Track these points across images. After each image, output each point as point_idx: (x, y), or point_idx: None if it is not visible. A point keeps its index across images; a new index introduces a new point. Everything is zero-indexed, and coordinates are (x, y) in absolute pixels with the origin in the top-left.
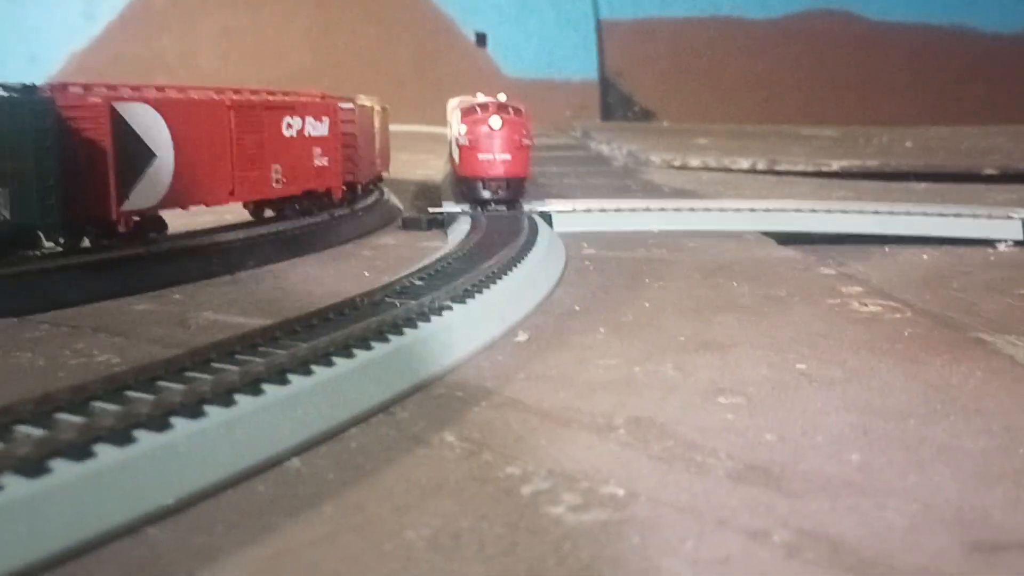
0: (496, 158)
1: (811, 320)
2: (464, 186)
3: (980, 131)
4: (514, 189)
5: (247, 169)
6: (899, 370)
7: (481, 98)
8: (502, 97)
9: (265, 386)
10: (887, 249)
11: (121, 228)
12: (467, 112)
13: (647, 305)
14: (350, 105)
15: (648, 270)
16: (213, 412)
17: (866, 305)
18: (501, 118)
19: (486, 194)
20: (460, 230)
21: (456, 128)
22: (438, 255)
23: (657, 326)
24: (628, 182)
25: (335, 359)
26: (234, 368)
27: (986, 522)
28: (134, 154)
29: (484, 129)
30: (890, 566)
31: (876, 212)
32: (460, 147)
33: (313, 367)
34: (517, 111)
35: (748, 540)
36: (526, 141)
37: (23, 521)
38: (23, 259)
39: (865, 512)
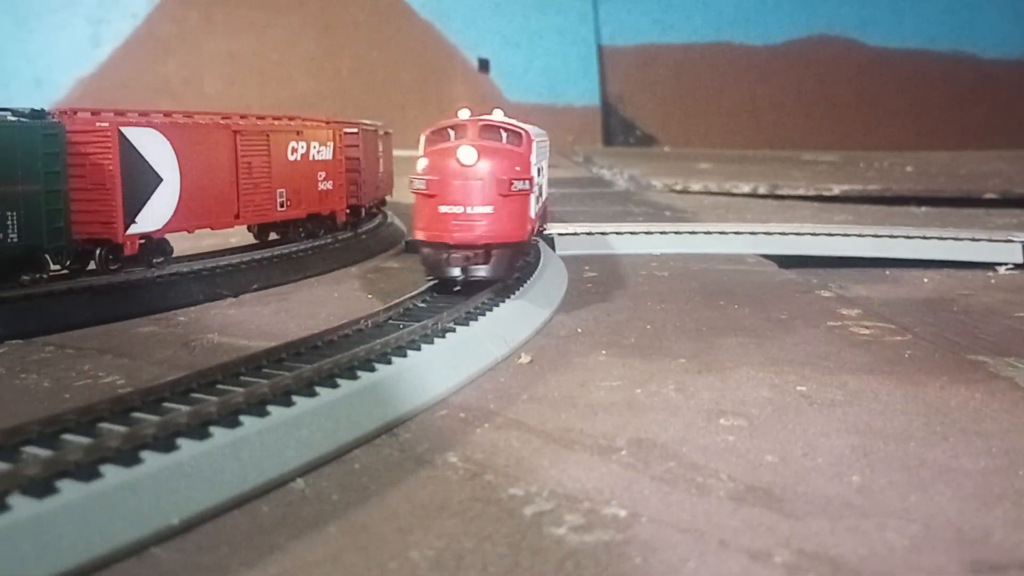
0: (468, 212)
1: (812, 342)
2: (422, 255)
3: (980, 156)
4: (500, 263)
5: (252, 193)
6: (899, 392)
7: (464, 116)
8: (498, 114)
9: (270, 407)
10: (888, 272)
11: (127, 251)
12: (434, 138)
13: (649, 327)
14: (354, 130)
15: (650, 292)
16: (219, 433)
17: (867, 328)
18: (477, 147)
19: (453, 271)
20: None
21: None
22: None
23: (659, 348)
24: (630, 206)
25: (339, 381)
26: (239, 390)
27: (986, 542)
28: (141, 178)
29: (451, 165)
30: None
31: (877, 236)
32: (416, 193)
33: (318, 389)
34: (514, 135)
35: (750, 561)
36: (521, 184)
37: (30, 541)
38: (30, 281)
39: (866, 533)
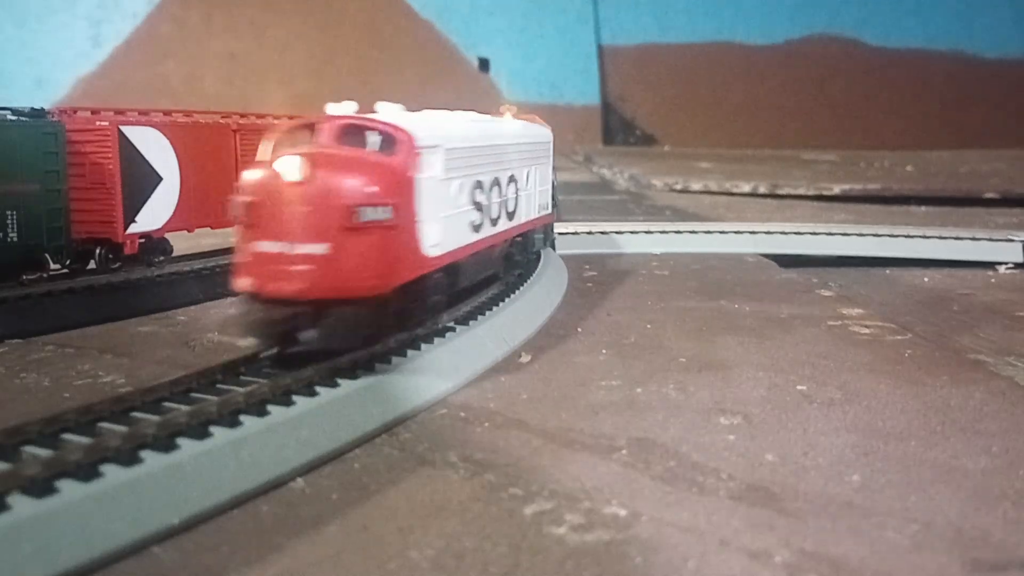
0: (291, 251)
1: (812, 341)
2: (239, 312)
3: (980, 155)
4: (339, 328)
5: None
6: (899, 391)
7: (336, 108)
8: (386, 109)
9: (270, 407)
10: (888, 271)
11: (127, 250)
12: (285, 141)
13: (649, 326)
14: None
15: (650, 292)
16: (219, 433)
17: (867, 327)
18: (311, 157)
19: (266, 338)
20: None
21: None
22: None
23: (659, 347)
24: (630, 205)
25: (339, 381)
26: (239, 390)
27: (986, 541)
28: (141, 177)
29: (271, 182)
30: None
31: (877, 235)
32: (233, 222)
33: (318, 389)
34: (388, 140)
35: (750, 560)
36: (376, 212)
37: (30, 541)
38: (30, 280)
39: (866, 532)
